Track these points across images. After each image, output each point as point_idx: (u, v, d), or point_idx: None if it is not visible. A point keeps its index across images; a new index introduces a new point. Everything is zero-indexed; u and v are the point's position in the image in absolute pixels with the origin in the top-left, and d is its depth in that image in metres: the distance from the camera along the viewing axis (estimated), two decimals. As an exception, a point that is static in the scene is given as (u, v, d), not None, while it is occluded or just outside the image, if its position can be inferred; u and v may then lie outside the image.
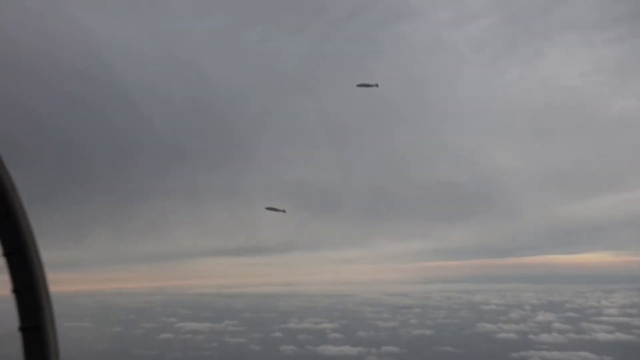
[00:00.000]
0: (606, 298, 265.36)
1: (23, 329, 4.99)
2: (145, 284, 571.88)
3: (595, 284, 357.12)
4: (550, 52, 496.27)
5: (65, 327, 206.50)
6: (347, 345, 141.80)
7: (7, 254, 5.07)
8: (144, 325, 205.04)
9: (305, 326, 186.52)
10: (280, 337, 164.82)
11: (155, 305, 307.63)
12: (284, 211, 64.59)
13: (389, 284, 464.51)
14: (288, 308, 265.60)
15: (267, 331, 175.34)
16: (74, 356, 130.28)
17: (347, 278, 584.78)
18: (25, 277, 5.05)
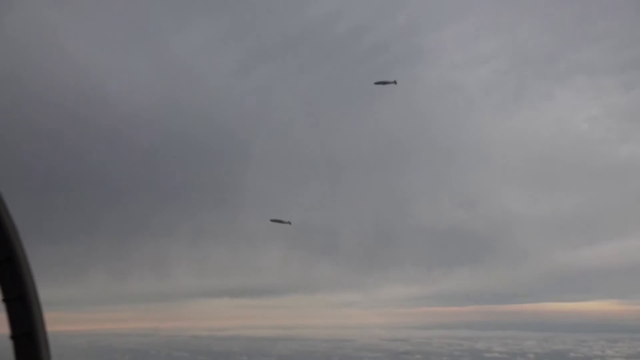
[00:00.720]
0: (611, 347, 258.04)
1: (14, 337, 5.23)
2: (139, 324, 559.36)
3: (598, 333, 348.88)
4: (559, 96, 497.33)
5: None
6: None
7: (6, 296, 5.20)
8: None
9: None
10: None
11: (149, 347, 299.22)
12: (289, 223, 61.92)
13: (388, 328, 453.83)
14: (286, 352, 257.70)
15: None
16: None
17: (345, 322, 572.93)
18: (15, 286, 5.17)
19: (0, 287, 4.88)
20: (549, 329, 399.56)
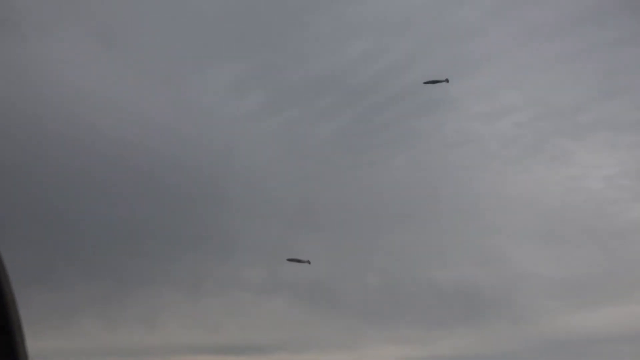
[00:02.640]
0: None
1: None
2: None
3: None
4: (577, 153, 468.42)
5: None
6: None
7: None
8: None
9: None
10: None
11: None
12: (308, 262, 56.97)
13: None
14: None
15: None
16: None
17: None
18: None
19: None
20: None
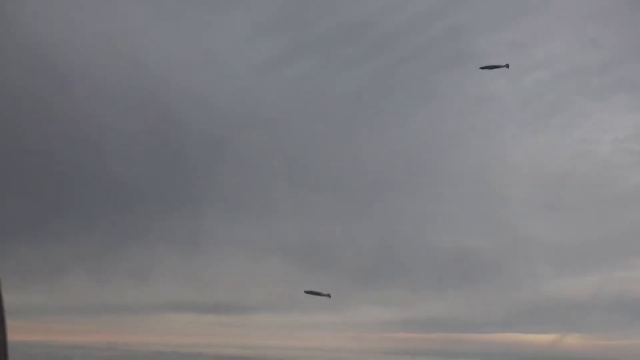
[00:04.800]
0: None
1: None
2: (97, 338, 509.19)
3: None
4: (594, 114, 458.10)
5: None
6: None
7: None
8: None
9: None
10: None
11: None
12: (328, 295, 52.95)
13: (355, 352, 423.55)
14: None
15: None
16: None
17: (312, 344, 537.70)
18: None
19: None
20: (511, 358, 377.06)
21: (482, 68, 49.86)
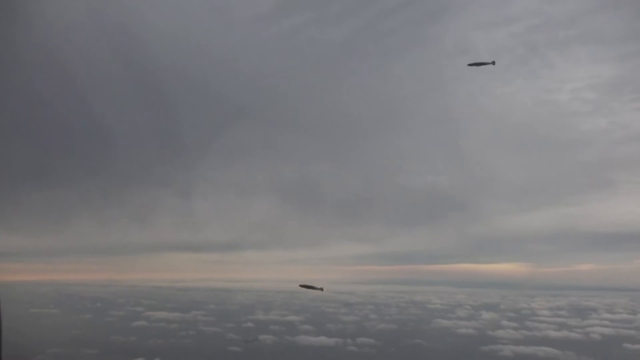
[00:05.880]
0: (531, 302, 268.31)
1: None
2: (98, 276, 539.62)
3: (515, 290, 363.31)
4: (558, 65, 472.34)
5: (31, 313, 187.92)
6: (323, 336, 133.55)
7: None
8: (113, 313, 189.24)
9: (272, 318, 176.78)
10: (253, 327, 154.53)
11: (116, 295, 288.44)
12: (321, 289, 55.07)
13: (331, 283, 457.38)
14: (247, 302, 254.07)
15: (238, 322, 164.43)
16: (51, 341, 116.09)
17: (294, 277, 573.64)
18: None
19: None
20: (471, 286, 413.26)
21: (470, 65, 45.71)
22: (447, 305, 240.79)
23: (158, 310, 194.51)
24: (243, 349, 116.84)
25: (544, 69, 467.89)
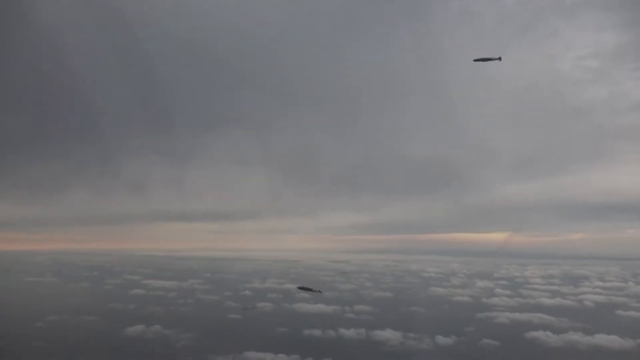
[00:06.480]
0: (524, 270, 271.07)
1: None
2: (94, 246, 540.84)
3: (508, 259, 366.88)
4: (563, 33, 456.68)
5: (28, 282, 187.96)
6: (321, 304, 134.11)
7: None
8: (110, 282, 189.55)
9: (269, 286, 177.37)
10: (251, 295, 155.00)
11: (111, 264, 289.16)
12: (319, 291, 52.96)
13: (326, 252, 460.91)
14: (244, 270, 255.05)
15: (236, 290, 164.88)
16: (50, 309, 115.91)
17: (289, 246, 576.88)
18: None
19: None
20: (464, 255, 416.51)
21: (476, 60, 44.25)
22: (441, 273, 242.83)
23: (155, 279, 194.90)
24: (242, 316, 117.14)
25: (547, 36, 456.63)
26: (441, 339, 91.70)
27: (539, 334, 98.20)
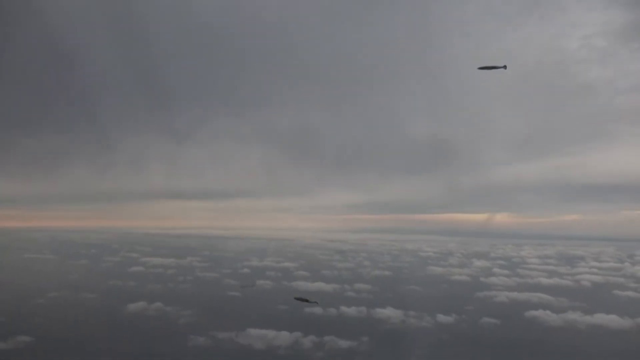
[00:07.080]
0: (520, 251, 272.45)
1: None
2: (92, 223, 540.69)
3: (503, 239, 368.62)
4: (571, 10, 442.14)
5: (27, 259, 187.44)
6: (320, 282, 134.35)
7: None
8: (109, 259, 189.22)
9: (267, 264, 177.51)
10: (250, 273, 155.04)
11: (109, 242, 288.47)
12: (316, 302, 51.56)
13: (322, 231, 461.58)
14: (241, 249, 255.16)
15: (234, 268, 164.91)
16: (50, 286, 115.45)
17: (284, 225, 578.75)
18: None
19: None
20: (461, 235, 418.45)
21: (480, 68, 40.40)
22: (438, 253, 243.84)
23: (153, 257, 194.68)
24: (242, 294, 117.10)
25: (554, 13, 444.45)
26: (442, 317, 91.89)
27: (539, 313, 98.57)
